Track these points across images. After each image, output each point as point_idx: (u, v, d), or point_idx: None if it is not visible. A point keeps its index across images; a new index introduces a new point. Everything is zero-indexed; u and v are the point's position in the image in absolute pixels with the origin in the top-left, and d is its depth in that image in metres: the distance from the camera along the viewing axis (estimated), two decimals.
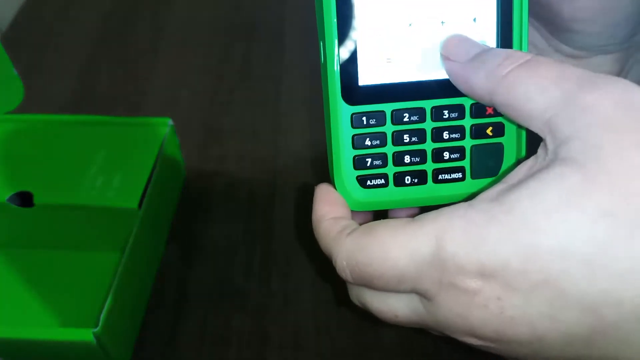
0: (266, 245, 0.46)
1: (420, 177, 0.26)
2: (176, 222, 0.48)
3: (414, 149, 0.26)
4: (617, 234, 0.19)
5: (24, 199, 0.42)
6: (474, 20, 0.25)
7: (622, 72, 0.29)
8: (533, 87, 0.22)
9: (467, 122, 0.26)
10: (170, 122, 0.46)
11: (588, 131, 0.20)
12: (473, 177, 0.26)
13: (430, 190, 0.26)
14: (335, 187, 0.26)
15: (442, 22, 0.25)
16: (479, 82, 0.24)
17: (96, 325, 0.34)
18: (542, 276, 0.20)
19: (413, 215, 0.23)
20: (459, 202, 0.23)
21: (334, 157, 0.26)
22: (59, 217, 0.43)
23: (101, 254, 0.44)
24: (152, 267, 0.44)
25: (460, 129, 0.26)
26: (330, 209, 0.26)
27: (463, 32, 0.25)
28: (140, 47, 0.65)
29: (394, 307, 0.24)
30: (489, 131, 0.26)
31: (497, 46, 0.25)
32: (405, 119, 0.26)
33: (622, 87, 0.21)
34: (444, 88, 0.25)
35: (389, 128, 0.26)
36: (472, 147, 0.26)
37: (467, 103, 0.26)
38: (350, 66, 0.25)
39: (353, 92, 0.25)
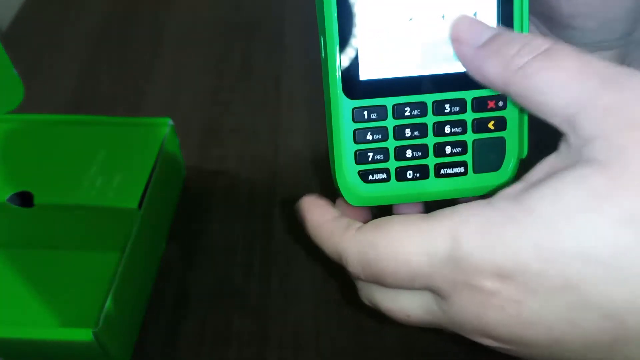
0: (266, 245, 0.46)
1: (422, 172, 0.26)
2: (176, 222, 0.48)
3: (415, 143, 0.26)
4: None
5: (24, 199, 0.42)
6: (475, 14, 0.25)
7: None
8: (554, 81, 0.21)
9: (469, 116, 0.26)
10: (170, 122, 0.46)
11: (612, 131, 0.20)
12: (475, 171, 0.26)
13: (432, 185, 0.26)
14: (336, 182, 0.26)
15: (443, 17, 0.25)
16: (493, 71, 0.23)
17: (96, 325, 0.34)
18: (561, 280, 0.19)
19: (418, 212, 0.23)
20: (476, 199, 0.22)
21: (335, 152, 0.26)
22: (59, 217, 0.43)
23: (101, 254, 0.44)
24: (152, 267, 0.44)
25: (462, 123, 0.26)
26: (324, 212, 0.26)
27: None
28: (140, 47, 0.65)
29: (406, 305, 0.24)
30: (490, 125, 0.26)
31: None
32: (407, 113, 0.26)
33: None
34: (445, 82, 0.25)
35: (390, 122, 0.26)
36: (473, 141, 0.26)
37: (468, 97, 0.26)
38: (351, 60, 0.25)
39: (354, 86, 0.25)
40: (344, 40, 0.25)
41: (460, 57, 0.24)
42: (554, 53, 0.21)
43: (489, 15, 0.25)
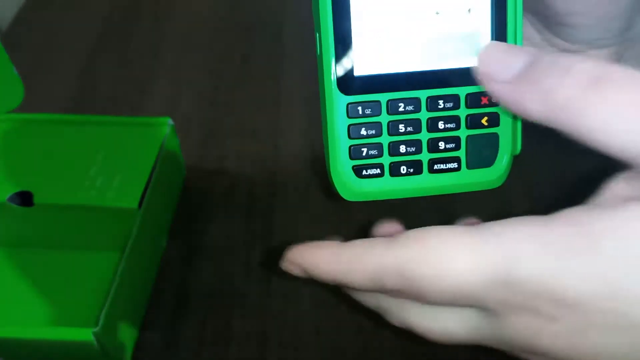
0: (266, 245, 0.46)
1: (416, 167, 0.26)
2: (176, 222, 0.48)
3: (409, 139, 0.26)
4: None
5: (24, 198, 0.42)
6: (469, 11, 0.25)
7: None
8: (614, 119, 0.19)
9: (463, 112, 0.26)
10: (170, 122, 0.46)
11: None
12: (469, 167, 0.27)
13: (425, 180, 0.27)
14: (331, 177, 0.27)
15: (437, 12, 0.25)
16: (536, 108, 0.20)
17: (96, 325, 0.34)
18: (628, 320, 0.19)
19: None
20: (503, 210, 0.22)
21: (330, 147, 0.26)
22: (59, 217, 0.43)
23: (101, 254, 0.44)
24: (152, 267, 0.44)
25: (456, 119, 0.26)
26: (331, 246, 0.23)
27: (457, 23, 0.25)
28: (140, 47, 0.65)
29: (448, 324, 0.22)
30: (484, 121, 0.26)
31: (492, 37, 0.25)
32: (401, 109, 0.26)
33: None
34: (439, 78, 0.26)
35: (384, 118, 0.26)
36: (467, 137, 0.26)
37: (462, 93, 0.26)
38: (345, 56, 0.25)
39: (348, 82, 0.26)
40: (339, 36, 0.25)
41: (494, 95, 0.23)
42: (607, 81, 0.19)
43: (483, 11, 0.25)
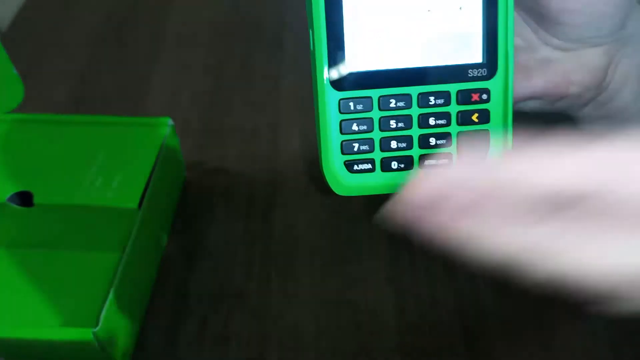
0: (266, 245, 0.46)
1: (407, 163, 0.27)
2: (176, 222, 0.48)
3: (400, 134, 0.26)
4: None
5: (24, 199, 0.42)
6: (460, 8, 0.25)
7: (610, 65, 0.29)
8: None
9: (453, 108, 0.26)
10: (170, 122, 0.46)
11: None
12: None
13: None
14: (323, 172, 0.27)
15: (429, 10, 0.25)
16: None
17: (96, 325, 0.34)
18: None
19: None
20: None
21: (322, 142, 0.27)
22: (59, 217, 0.43)
23: (101, 254, 0.44)
24: (152, 267, 0.44)
25: (446, 115, 0.26)
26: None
27: (448, 20, 0.25)
28: (140, 47, 0.65)
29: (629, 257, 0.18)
30: (474, 118, 0.26)
31: (483, 34, 0.26)
32: (392, 105, 0.26)
33: None
34: (430, 75, 0.26)
35: (375, 114, 0.26)
36: (458, 133, 0.26)
37: (453, 90, 0.26)
38: (338, 53, 0.26)
39: (341, 78, 0.26)
40: (332, 33, 0.26)
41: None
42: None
43: (474, 9, 0.26)
